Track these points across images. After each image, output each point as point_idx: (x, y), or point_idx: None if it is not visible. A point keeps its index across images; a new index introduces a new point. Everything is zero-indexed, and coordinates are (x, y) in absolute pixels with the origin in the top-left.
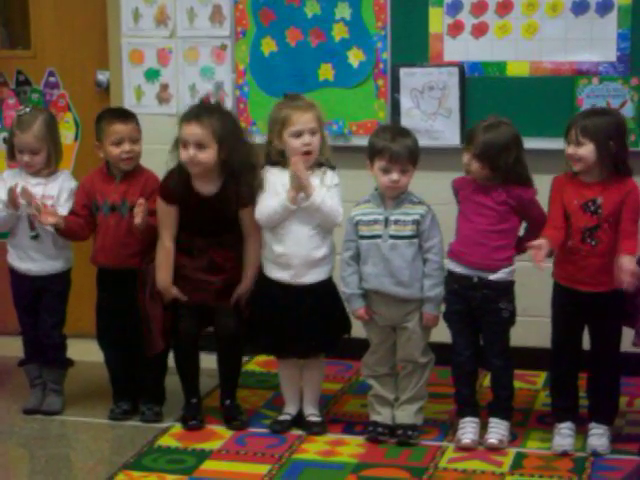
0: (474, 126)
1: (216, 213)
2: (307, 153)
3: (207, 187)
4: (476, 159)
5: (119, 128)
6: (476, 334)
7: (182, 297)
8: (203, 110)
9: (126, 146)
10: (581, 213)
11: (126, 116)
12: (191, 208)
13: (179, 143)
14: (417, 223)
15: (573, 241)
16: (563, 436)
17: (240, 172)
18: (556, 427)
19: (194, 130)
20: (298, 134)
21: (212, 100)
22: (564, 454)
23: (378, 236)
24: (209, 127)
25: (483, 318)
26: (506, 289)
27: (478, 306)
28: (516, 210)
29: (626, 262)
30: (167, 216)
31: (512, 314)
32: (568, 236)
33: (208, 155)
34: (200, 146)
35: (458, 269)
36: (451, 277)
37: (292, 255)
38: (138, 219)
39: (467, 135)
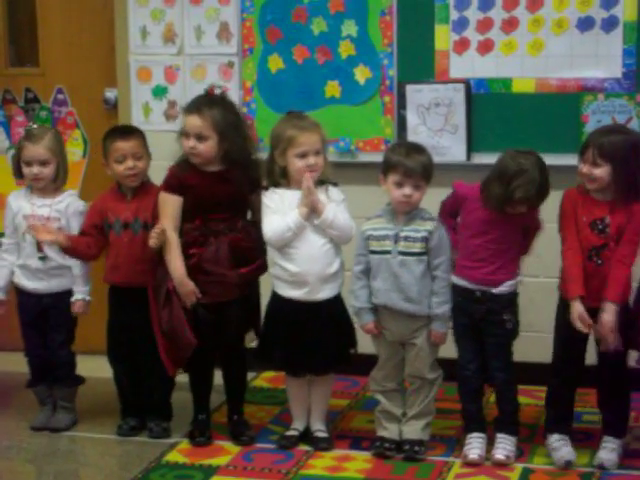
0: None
1: (228, 189)
2: (311, 174)
3: (211, 169)
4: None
5: (121, 145)
6: (481, 349)
7: (197, 293)
8: (205, 102)
9: (129, 163)
10: (589, 231)
11: (128, 133)
12: (201, 188)
13: (183, 133)
14: (426, 240)
15: None
16: (557, 449)
17: (241, 162)
18: (547, 443)
19: (194, 121)
20: (303, 155)
21: (216, 91)
22: (568, 465)
23: (388, 252)
24: (209, 119)
25: (486, 330)
26: (510, 301)
27: (482, 318)
28: (524, 222)
29: (605, 317)
30: (169, 205)
31: (515, 326)
32: None
33: (208, 146)
34: (200, 137)
35: (461, 282)
36: (454, 291)
37: (307, 273)
38: (152, 242)
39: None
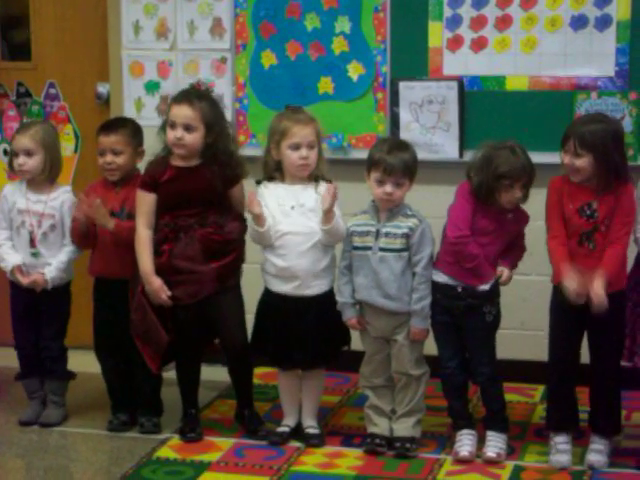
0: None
1: (198, 185)
2: (303, 166)
3: (188, 163)
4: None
5: (101, 139)
6: (462, 345)
7: (166, 291)
8: (194, 93)
9: (107, 157)
10: (577, 217)
11: (111, 128)
12: (171, 184)
13: (166, 125)
14: (406, 236)
15: (570, 245)
16: (560, 452)
17: (222, 155)
18: (552, 440)
19: (184, 111)
20: (296, 147)
21: (202, 87)
22: (562, 469)
23: (369, 248)
24: (199, 110)
25: (466, 325)
26: (490, 294)
27: (461, 314)
28: (515, 230)
29: (596, 287)
30: (143, 203)
31: (496, 317)
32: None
33: (194, 138)
34: (188, 128)
35: (441, 279)
36: (434, 287)
37: (296, 268)
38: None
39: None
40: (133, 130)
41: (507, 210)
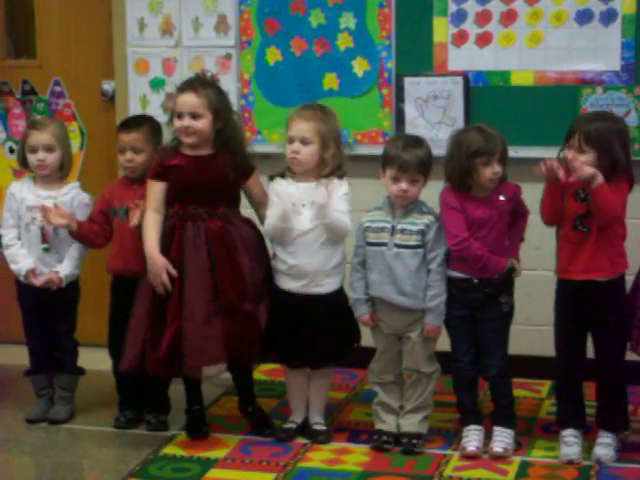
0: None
1: (210, 174)
2: (292, 160)
3: (199, 152)
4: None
5: (121, 137)
6: (475, 341)
7: (172, 271)
8: (198, 81)
9: (127, 155)
10: (572, 201)
11: (131, 126)
12: (182, 171)
13: (173, 115)
14: (422, 233)
15: (565, 229)
16: (569, 445)
17: (233, 143)
18: (560, 435)
19: (189, 99)
20: (290, 140)
21: (207, 75)
22: (570, 463)
23: (384, 244)
24: (204, 97)
25: (482, 316)
26: (506, 282)
27: (479, 306)
28: (512, 206)
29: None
30: (152, 191)
31: (512, 308)
32: (561, 223)
33: (203, 124)
34: (194, 115)
35: (456, 273)
36: (449, 282)
37: (306, 267)
38: (134, 221)
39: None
40: (153, 128)
41: (497, 192)
